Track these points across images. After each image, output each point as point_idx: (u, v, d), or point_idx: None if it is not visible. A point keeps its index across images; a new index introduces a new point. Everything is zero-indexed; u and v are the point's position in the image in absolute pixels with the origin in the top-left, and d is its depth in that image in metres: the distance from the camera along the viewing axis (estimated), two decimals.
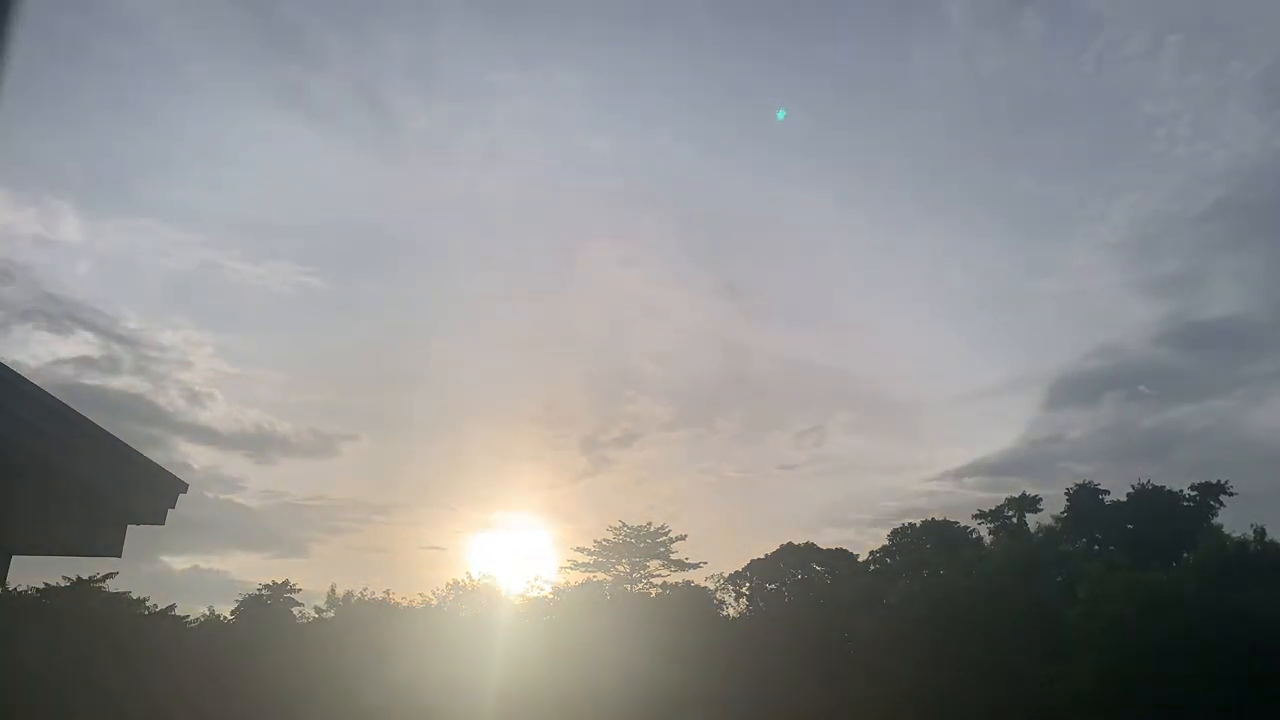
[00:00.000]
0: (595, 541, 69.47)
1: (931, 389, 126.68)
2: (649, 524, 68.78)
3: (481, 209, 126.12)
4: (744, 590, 65.26)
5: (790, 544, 65.83)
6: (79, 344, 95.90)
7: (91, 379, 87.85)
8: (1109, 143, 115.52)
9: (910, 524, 68.50)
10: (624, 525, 68.74)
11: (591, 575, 67.82)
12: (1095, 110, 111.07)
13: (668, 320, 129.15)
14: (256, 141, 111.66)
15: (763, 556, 65.59)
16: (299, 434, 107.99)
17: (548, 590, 63.70)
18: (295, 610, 61.62)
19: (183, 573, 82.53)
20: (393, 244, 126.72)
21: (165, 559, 77.61)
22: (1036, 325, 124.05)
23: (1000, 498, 67.41)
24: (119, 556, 6.36)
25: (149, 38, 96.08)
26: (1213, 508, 61.26)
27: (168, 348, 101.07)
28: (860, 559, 66.32)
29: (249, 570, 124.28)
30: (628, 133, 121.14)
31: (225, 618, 59.95)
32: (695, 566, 67.27)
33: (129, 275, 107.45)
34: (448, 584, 62.54)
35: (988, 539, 62.68)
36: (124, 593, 56.68)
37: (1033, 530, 60.43)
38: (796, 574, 65.01)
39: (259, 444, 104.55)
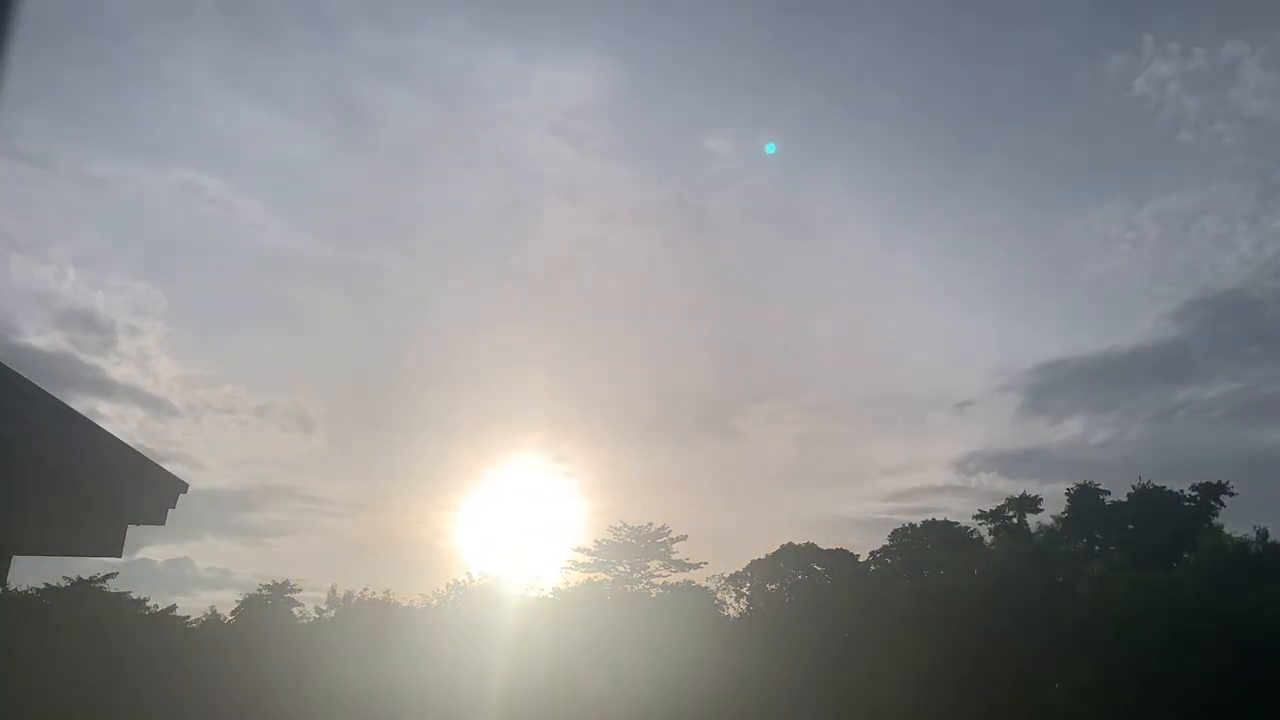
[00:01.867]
0: (595, 541, 69.52)
1: (933, 381, 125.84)
2: (649, 524, 68.82)
3: (471, 200, 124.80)
4: (744, 590, 65.29)
5: (790, 544, 65.84)
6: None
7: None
8: (1114, 134, 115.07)
9: (910, 524, 68.54)
10: (624, 525, 68.78)
11: (592, 575, 67.88)
12: (1103, 100, 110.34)
13: (662, 311, 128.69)
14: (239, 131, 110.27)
15: (763, 557, 65.67)
16: (275, 414, 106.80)
17: (547, 591, 63.83)
18: (295, 610, 61.77)
19: (164, 564, 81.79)
20: (386, 233, 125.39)
21: (145, 550, 76.74)
22: (1037, 317, 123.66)
23: (1004, 492, 67.45)
24: (119, 556, 6.37)
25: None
26: (1213, 508, 61.25)
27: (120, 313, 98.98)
28: (861, 559, 66.36)
29: (227, 559, 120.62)
30: (625, 122, 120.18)
31: (225, 618, 60.03)
32: (696, 567, 67.30)
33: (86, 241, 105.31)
34: (448, 584, 62.68)
35: (988, 539, 62.66)
36: (124, 593, 56.80)
37: (1033, 530, 60.45)
38: (797, 574, 65.01)
39: (231, 423, 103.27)
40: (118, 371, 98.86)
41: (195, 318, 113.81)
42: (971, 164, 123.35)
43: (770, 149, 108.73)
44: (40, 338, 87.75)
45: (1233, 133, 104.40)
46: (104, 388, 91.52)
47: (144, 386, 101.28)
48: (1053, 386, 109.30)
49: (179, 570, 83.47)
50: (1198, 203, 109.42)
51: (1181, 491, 62.59)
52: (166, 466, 6.23)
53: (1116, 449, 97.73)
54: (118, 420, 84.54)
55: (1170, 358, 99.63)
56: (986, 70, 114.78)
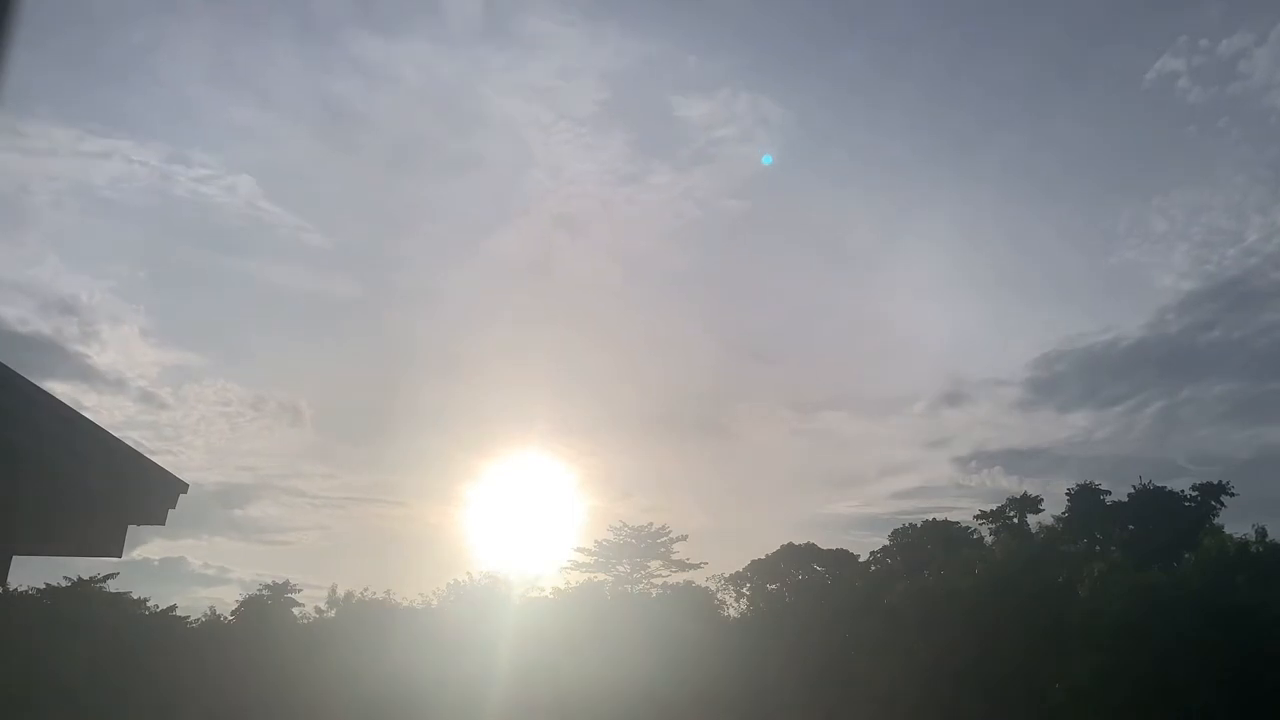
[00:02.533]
0: (596, 541, 69.57)
1: (936, 378, 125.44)
2: (650, 524, 68.86)
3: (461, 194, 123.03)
4: (745, 591, 65.29)
5: (791, 544, 65.83)
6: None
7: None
8: (1123, 127, 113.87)
9: (911, 524, 68.47)
10: (625, 525, 68.81)
11: (592, 575, 67.92)
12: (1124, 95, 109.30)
13: (660, 306, 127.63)
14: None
15: (763, 557, 65.66)
16: (269, 408, 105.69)
17: (548, 591, 63.84)
18: (295, 610, 61.83)
19: (159, 562, 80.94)
20: (381, 226, 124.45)
21: (141, 548, 75.66)
22: (1039, 311, 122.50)
23: (1006, 490, 67.35)
24: (119, 556, 6.37)
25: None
26: (1214, 508, 61.23)
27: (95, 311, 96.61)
28: (861, 559, 66.35)
29: (223, 555, 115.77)
30: (620, 99, 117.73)
31: (226, 618, 60.11)
32: (696, 567, 67.34)
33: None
34: (448, 583, 62.74)
35: (989, 539, 62.64)
36: (124, 593, 56.83)
37: (1034, 530, 60.42)
38: (797, 574, 64.99)
39: (224, 415, 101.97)
40: (103, 360, 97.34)
41: (183, 308, 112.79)
42: (977, 158, 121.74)
43: (766, 160, 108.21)
44: (22, 326, 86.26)
45: (1240, 125, 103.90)
46: (88, 376, 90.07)
47: (131, 377, 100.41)
48: (1056, 381, 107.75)
49: (174, 567, 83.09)
50: (1205, 195, 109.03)
51: (1182, 491, 62.60)
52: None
53: (1121, 444, 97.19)
54: (102, 412, 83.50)
55: (1175, 351, 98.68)
56: (997, 60, 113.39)
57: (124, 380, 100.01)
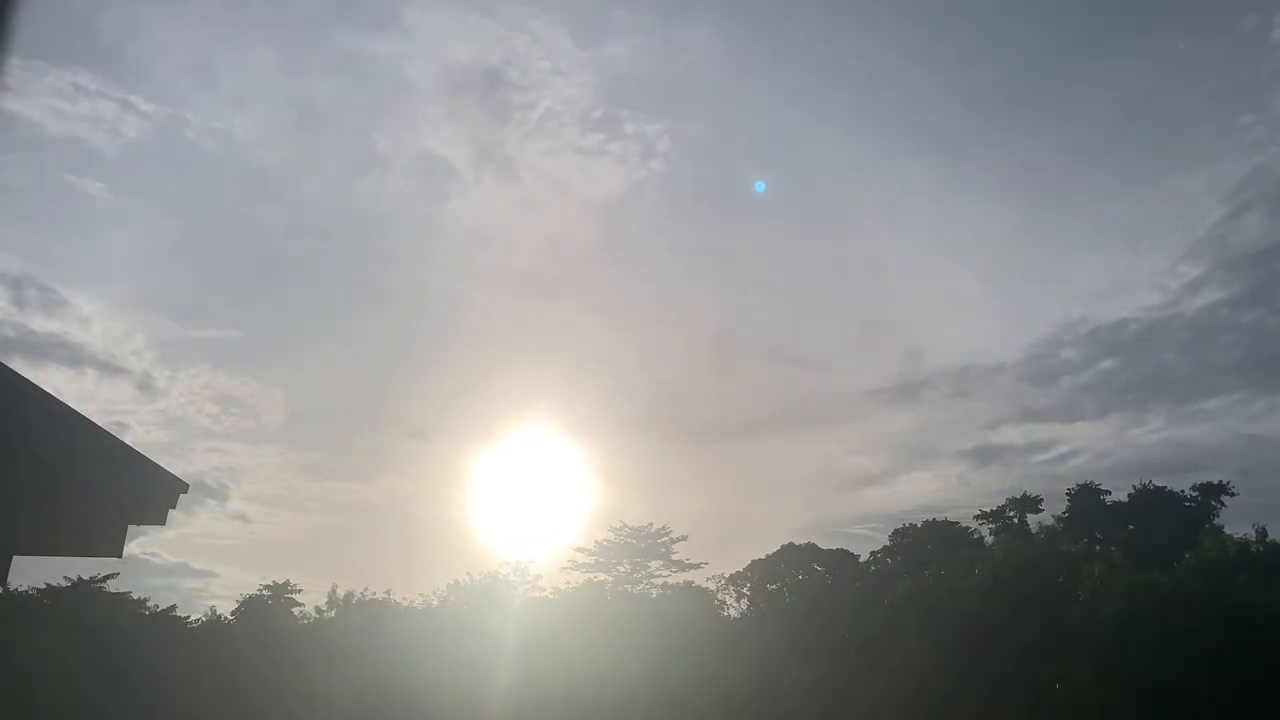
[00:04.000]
0: (596, 542, 69.59)
1: (936, 375, 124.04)
2: (650, 524, 68.87)
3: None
4: (745, 591, 65.35)
5: (791, 544, 65.93)
6: None
7: None
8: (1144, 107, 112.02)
9: (911, 524, 68.56)
10: (625, 525, 68.82)
11: (592, 576, 67.92)
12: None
13: (658, 303, 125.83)
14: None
15: (763, 556, 65.73)
16: (255, 400, 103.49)
17: (548, 591, 63.86)
18: (295, 610, 61.89)
19: (146, 554, 79.50)
20: (370, 214, 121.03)
21: (133, 543, 73.72)
22: (1042, 305, 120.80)
23: (1007, 490, 67.39)
24: (119, 556, 6.37)
25: None
26: (1214, 508, 61.32)
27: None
28: (861, 559, 66.42)
29: (214, 548, 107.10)
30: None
31: (226, 618, 60.19)
32: (696, 567, 67.38)
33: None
34: (448, 583, 62.74)
35: (989, 539, 62.68)
36: (124, 593, 56.88)
37: (1034, 530, 60.46)
38: (798, 574, 65.06)
39: (209, 404, 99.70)
40: (75, 341, 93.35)
41: (161, 277, 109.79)
42: (979, 138, 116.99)
43: (760, 187, 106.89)
44: None
45: (1253, 105, 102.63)
46: (52, 352, 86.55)
47: (113, 361, 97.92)
48: (1060, 371, 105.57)
49: (159, 559, 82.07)
50: (1217, 178, 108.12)
51: (1182, 491, 62.77)
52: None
53: (1127, 437, 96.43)
54: (69, 395, 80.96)
55: (1187, 338, 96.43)
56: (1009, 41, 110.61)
57: (90, 358, 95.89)
